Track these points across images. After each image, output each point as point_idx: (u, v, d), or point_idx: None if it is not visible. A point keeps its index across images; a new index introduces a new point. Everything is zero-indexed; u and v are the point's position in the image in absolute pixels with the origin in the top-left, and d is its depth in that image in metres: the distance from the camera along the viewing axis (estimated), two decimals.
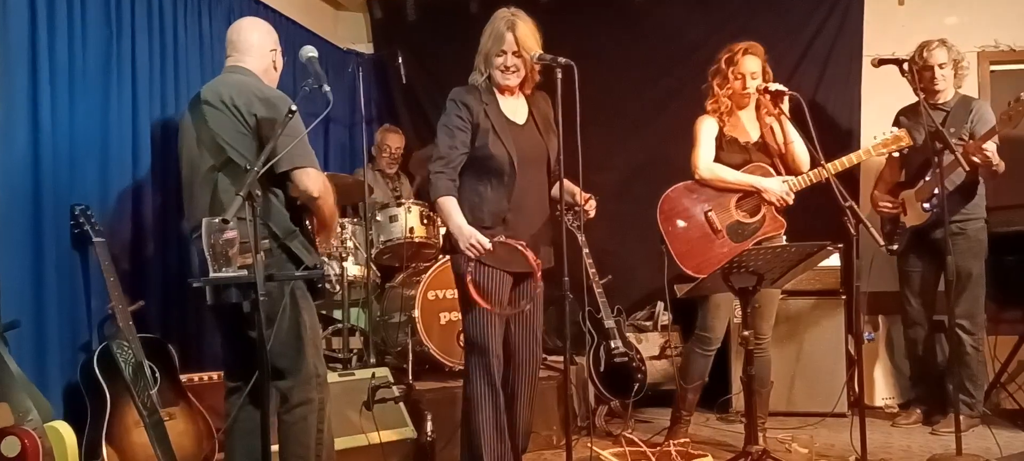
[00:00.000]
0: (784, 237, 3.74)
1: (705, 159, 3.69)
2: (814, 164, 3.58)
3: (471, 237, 2.95)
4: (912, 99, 4.18)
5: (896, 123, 4.37)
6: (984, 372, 4.10)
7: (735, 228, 3.67)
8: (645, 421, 4.50)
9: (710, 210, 3.70)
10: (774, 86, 3.61)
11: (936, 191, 4.03)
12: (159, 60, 3.77)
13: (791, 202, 3.63)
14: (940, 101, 4.21)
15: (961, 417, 4.03)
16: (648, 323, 4.95)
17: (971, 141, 3.69)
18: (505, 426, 3.14)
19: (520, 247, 2.96)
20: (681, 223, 3.72)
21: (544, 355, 3.99)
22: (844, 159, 3.59)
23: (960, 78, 4.15)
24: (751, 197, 3.67)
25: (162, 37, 3.80)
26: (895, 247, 3.55)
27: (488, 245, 2.93)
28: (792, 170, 3.68)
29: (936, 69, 4.13)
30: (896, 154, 3.90)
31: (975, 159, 3.86)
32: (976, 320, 4.11)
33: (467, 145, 3.07)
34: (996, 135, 3.90)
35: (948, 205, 4.03)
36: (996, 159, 3.88)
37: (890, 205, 4.09)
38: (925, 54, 4.18)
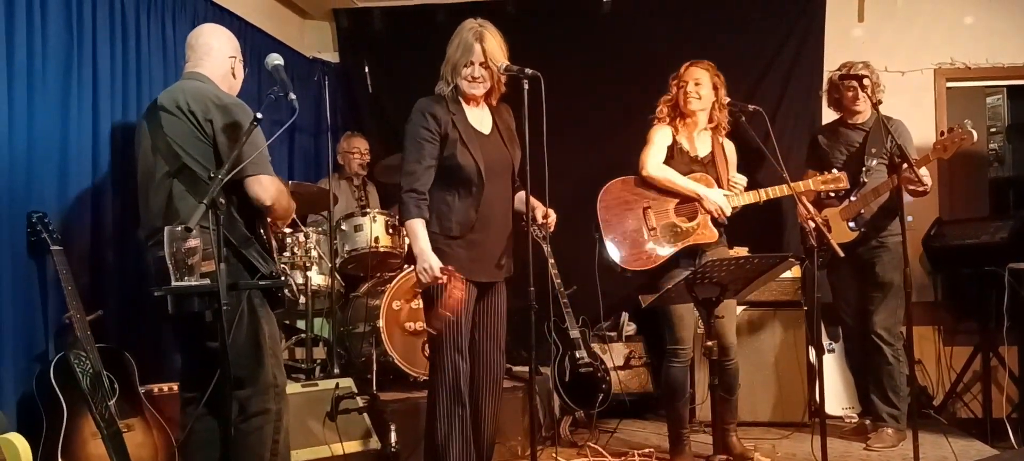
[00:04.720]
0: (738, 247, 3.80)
1: (655, 159, 3.77)
2: (776, 179, 3.64)
3: (426, 263, 2.98)
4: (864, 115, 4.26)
5: (814, 142, 4.43)
6: (904, 382, 4.16)
7: (669, 229, 3.74)
8: (609, 431, 4.52)
9: (649, 207, 3.77)
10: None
11: (862, 211, 4.10)
12: (121, 65, 3.71)
13: (728, 215, 3.71)
14: (858, 121, 4.26)
15: (889, 430, 4.13)
16: (612, 333, 4.97)
17: (903, 164, 3.73)
18: (470, 436, 3.13)
19: (460, 288, 2.99)
20: (619, 214, 3.78)
21: (509, 365, 3.99)
22: (784, 186, 3.63)
23: (875, 98, 4.09)
24: (691, 204, 3.74)
25: (124, 42, 3.74)
26: (842, 255, 3.61)
27: (438, 275, 2.97)
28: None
29: (858, 88, 4.16)
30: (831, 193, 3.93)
31: (911, 184, 3.88)
32: (893, 331, 4.15)
33: (434, 157, 3.07)
34: (931, 161, 3.97)
35: (872, 222, 4.12)
36: (928, 182, 3.93)
37: (815, 222, 4.03)
38: (839, 72, 4.23)
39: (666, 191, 3.76)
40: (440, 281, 2.99)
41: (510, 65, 3.03)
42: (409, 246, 3.23)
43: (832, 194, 3.93)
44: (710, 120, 3.81)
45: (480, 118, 3.18)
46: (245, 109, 2.82)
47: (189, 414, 2.88)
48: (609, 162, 5.14)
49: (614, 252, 3.74)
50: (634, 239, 3.74)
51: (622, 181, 3.84)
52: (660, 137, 3.80)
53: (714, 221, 3.71)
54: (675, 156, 3.78)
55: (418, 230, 3.03)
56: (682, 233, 3.72)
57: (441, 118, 3.08)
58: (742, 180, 3.79)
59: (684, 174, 3.75)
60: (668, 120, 3.82)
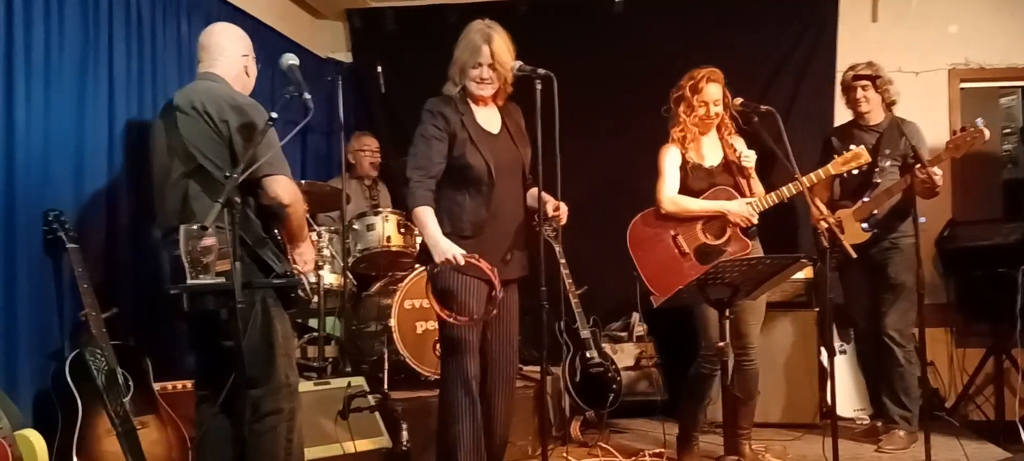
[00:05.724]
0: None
1: (668, 192, 3.73)
2: (788, 179, 3.62)
3: (447, 252, 2.96)
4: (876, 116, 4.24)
5: (828, 143, 4.39)
6: (916, 384, 4.15)
7: (702, 250, 3.70)
8: (620, 431, 4.52)
9: (677, 234, 3.74)
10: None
11: (875, 212, 4.08)
12: (136, 64, 3.74)
13: (755, 221, 3.67)
14: (871, 122, 4.22)
15: (900, 432, 4.11)
16: (623, 334, 4.97)
17: (917, 164, 3.72)
18: (482, 436, 3.14)
19: (488, 272, 2.97)
20: (650, 248, 3.76)
21: (520, 365, 4.00)
22: (804, 178, 3.61)
23: (889, 98, 4.08)
24: (717, 219, 3.70)
25: (140, 41, 3.77)
26: (854, 256, 3.60)
27: (462, 261, 2.94)
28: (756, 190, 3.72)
29: (858, 89, 4.14)
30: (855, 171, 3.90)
31: (925, 183, 3.83)
32: (905, 333, 4.13)
33: (444, 155, 3.08)
34: (943, 160, 3.95)
35: (885, 223, 4.09)
36: (940, 182, 3.90)
37: (828, 223, 3.97)
38: (850, 74, 4.21)
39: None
40: (464, 266, 2.94)
41: (523, 65, 3.04)
42: (420, 246, 3.23)
43: (854, 172, 3.89)
44: (718, 126, 3.76)
45: (489, 118, 3.19)
46: (260, 110, 2.83)
47: (203, 412, 2.90)
48: (620, 161, 5.19)
49: (655, 287, 3.71)
50: (669, 269, 3.70)
51: (642, 216, 3.80)
52: (669, 163, 3.75)
53: (744, 230, 3.67)
54: (690, 173, 3.72)
55: (427, 218, 3.01)
56: (715, 251, 3.67)
57: (450, 118, 3.09)
58: (751, 155, 3.69)
59: (702, 188, 3.71)
60: (679, 140, 3.75)
